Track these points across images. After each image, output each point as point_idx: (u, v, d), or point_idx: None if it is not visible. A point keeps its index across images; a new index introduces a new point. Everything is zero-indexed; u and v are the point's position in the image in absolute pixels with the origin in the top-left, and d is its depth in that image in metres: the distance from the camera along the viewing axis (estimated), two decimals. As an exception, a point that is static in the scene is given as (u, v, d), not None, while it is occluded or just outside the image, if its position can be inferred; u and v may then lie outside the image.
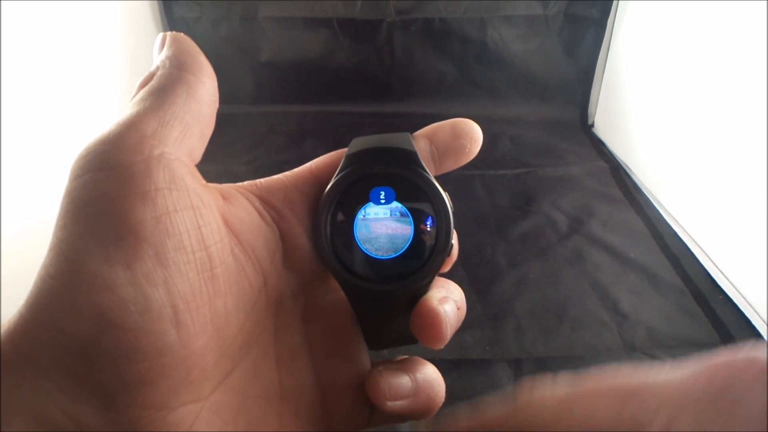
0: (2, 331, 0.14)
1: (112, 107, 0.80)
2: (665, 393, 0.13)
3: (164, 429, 0.15)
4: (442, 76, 1.03)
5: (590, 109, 1.03)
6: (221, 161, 0.87)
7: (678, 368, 0.13)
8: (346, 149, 0.20)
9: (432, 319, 0.19)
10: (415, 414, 0.20)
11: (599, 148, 0.93)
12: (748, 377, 0.12)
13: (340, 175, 0.20)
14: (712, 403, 0.12)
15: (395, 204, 0.20)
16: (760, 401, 0.11)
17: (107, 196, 0.15)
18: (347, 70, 1.03)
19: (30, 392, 0.14)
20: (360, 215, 0.20)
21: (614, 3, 0.93)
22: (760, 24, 0.56)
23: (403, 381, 0.19)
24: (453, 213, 0.20)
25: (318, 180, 0.20)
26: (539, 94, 1.04)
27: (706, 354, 0.13)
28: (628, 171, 0.85)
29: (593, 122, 1.03)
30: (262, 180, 0.20)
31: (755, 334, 0.55)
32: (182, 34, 0.18)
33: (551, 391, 0.14)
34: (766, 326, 0.55)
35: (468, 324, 0.56)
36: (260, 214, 0.19)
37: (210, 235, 0.17)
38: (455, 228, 0.20)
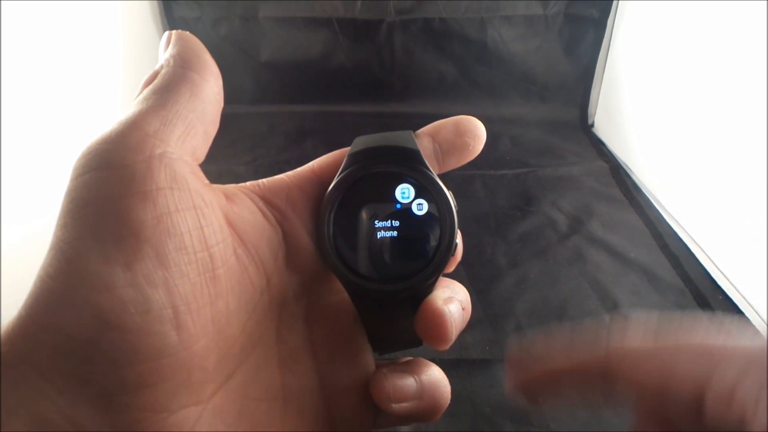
0: (1, 332, 0.14)
1: (113, 107, 0.80)
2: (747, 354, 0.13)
3: None
4: (442, 76, 1.03)
5: (590, 109, 1.03)
6: (221, 161, 0.87)
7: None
8: (348, 148, 0.20)
9: (437, 320, 0.19)
10: (420, 416, 0.20)
11: (599, 148, 0.93)
12: None
13: (342, 174, 0.19)
14: None
15: (398, 203, 0.19)
16: None
17: (108, 195, 0.15)
18: (347, 70, 1.03)
19: (28, 393, 0.14)
20: (363, 215, 0.19)
21: (614, 3, 0.93)
22: (760, 24, 0.56)
23: (408, 383, 0.19)
24: (457, 212, 0.20)
25: (321, 179, 0.20)
26: (539, 94, 1.04)
27: None
28: (628, 171, 0.85)
29: (593, 122, 1.03)
30: (264, 180, 0.20)
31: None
32: (188, 32, 0.18)
33: (639, 340, 0.15)
34: (766, 326, 0.54)
35: (468, 324, 0.55)
36: (263, 214, 0.19)
37: (212, 235, 0.16)
38: (459, 228, 0.20)
